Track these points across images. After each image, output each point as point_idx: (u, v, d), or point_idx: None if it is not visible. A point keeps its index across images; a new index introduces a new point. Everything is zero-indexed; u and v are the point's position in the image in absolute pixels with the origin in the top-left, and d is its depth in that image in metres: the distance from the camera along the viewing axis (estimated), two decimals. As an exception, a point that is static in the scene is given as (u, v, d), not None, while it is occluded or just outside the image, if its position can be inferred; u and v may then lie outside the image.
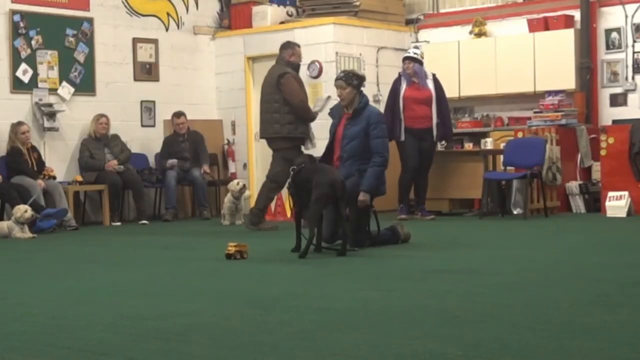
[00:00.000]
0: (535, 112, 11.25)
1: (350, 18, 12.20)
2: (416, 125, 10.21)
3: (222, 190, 11.85)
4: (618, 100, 11.44)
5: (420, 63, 10.35)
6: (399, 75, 10.48)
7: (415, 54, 10.42)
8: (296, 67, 9.34)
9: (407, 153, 10.24)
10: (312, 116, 9.22)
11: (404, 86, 10.30)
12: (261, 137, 9.71)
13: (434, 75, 10.50)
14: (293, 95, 9.04)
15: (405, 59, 10.37)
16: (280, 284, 5.40)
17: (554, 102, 11.13)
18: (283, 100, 9.05)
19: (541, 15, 11.75)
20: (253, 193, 12.52)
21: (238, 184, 10.39)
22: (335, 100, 8.15)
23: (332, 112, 7.77)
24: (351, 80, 7.37)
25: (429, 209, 10.54)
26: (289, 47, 9.43)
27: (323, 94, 11.87)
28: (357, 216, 7.05)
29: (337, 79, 7.49)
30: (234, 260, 6.48)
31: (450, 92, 11.98)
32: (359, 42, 12.21)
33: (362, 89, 7.53)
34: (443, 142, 11.17)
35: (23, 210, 9.14)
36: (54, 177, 10.52)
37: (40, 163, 10.53)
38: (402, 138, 10.22)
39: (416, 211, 10.43)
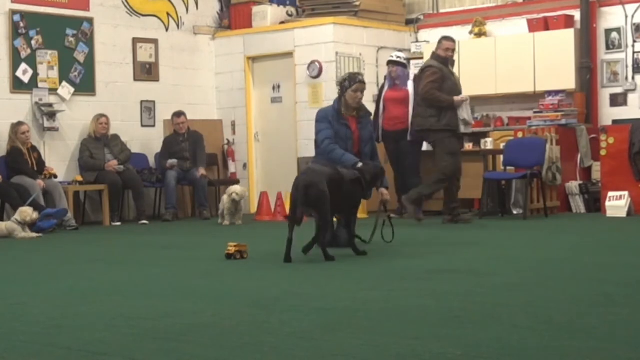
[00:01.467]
0: (535, 112, 11.25)
1: (350, 18, 12.20)
2: (392, 127, 10.32)
3: (222, 190, 11.84)
4: (618, 100, 11.44)
5: (404, 66, 10.45)
6: (385, 79, 10.63)
7: (398, 57, 10.49)
8: (444, 61, 9.59)
9: (385, 156, 10.41)
10: (445, 102, 9.42)
11: (386, 88, 10.48)
12: (413, 130, 10.14)
13: (415, 76, 10.62)
14: (422, 87, 9.44)
15: (390, 62, 10.43)
16: (280, 284, 5.40)
17: (554, 102, 11.13)
18: None
19: (541, 15, 11.75)
20: (253, 193, 12.57)
21: (230, 195, 10.21)
22: None
23: (327, 115, 7.46)
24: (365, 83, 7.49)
25: (429, 209, 10.54)
26: (439, 41, 9.79)
27: (323, 94, 11.90)
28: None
29: (361, 82, 7.32)
30: (234, 260, 6.48)
31: (450, 92, 12.01)
32: (359, 42, 12.21)
33: None
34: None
35: (30, 212, 9.15)
36: (55, 176, 10.51)
37: (40, 163, 10.53)
38: (380, 140, 10.35)
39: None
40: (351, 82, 7.30)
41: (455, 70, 12.00)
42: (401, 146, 10.29)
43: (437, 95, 9.40)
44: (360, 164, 7.10)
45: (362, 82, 7.36)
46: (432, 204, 10.91)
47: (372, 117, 10.80)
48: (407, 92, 10.30)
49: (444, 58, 9.58)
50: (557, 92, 11.23)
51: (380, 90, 10.64)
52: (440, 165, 9.49)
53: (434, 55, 9.66)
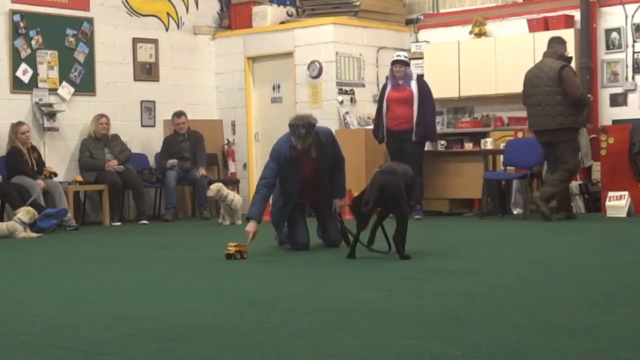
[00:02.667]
0: (535, 112, 11.23)
1: (350, 18, 12.20)
2: (396, 127, 10.28)
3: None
4: (618, 100, 11.43)
5: (408, 65, 10.43)
6: (387, 79, 10.59)
7: (405, 57, 10.47)
8: (568, 61, 9.80)
9: (387, 156, 10.39)
10: (588, 104, 9.96)
11: (388, 88, 10.41)
12: (537, 129, 9.84)
13: (418, 75, 10.61)
14: (575, 88, 9.52)
15: (396, 62, 10.34)
16: (280, 284, 5.40)
17: (554, 102, 11.11)
18: (564, 92, 9.48)
19: (541, 15, 11.74)
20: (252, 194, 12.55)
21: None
22: None
23: (280, 155, 7.11)
24: (312, 131, 6.97)
25: (429, 209, 10.54)
26: (562, 42, 9.87)
27: (323, 94, 11.91)
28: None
29: (300, 137, 6.88)
30: (234, 260, 6.48)
31: (450, 92, 12.01)
32: (359, 42, 12.21)
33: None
34: (445, 142, 11.19)
35: (32, 213, 9.18)
36: (55, 174, 10.51)
37: (40, 163, 10.53)
38: (384, 139, 10.32)
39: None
40: (292, 132, 6.95)
41: (455, 70, 12.08)
42: (405, 146, 10.27)
43: (587, 99, 9.79)
44: (252, 221, 6.90)
45: (300, 137, 6.90)
46: (433, 204, 10.92)
47: (371, 119, 10.87)
48: (411, 92, 10.25)
49: (569, 59, 9.81)
50: (557, 92, 11.21)
51: (383, 90, 10.60)
52: (567, 165, 9.58)
53: (558, 55, 9.70)
